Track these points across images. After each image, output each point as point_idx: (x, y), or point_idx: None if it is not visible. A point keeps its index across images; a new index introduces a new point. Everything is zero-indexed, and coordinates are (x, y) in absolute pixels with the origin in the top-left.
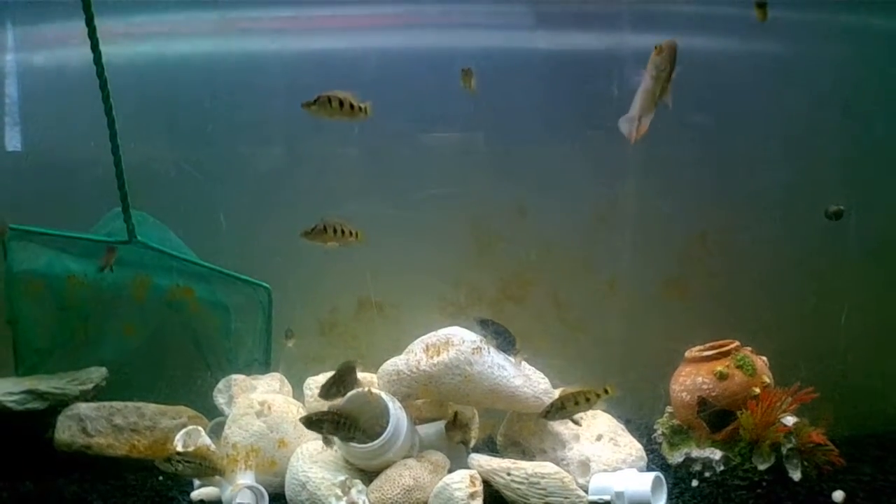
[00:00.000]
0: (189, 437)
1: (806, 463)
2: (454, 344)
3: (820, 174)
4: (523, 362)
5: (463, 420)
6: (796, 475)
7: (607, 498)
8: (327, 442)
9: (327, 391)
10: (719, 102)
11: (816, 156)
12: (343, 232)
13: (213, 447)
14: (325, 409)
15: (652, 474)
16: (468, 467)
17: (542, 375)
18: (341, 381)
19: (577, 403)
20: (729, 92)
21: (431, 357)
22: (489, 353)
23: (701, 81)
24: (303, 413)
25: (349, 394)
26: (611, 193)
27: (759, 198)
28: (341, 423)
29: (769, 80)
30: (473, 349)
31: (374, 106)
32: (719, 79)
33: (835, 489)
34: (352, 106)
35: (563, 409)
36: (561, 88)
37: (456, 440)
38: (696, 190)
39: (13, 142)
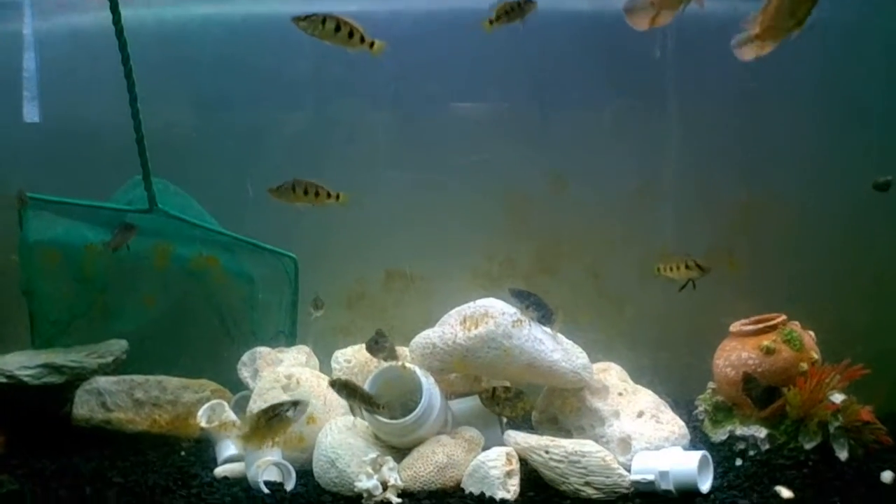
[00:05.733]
0: (213, 411)
1: (853, 442)
2: (492, 316)
3: (869, 143)
4: (560, 335)
5: (507, 394)
6: (843, 454)
7: (651, 477)
8: (353, 411)
9: (371, 349)
10: (762, 68)
11: (864, 123)
12: (318, 193)
13: (237, 422)
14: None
15: (699, 453)
16: (503, 444)
17: (581, 350)
18: (378, 343)
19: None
20: (772, 58)
21: (468, 329)
22: (528, 326)
23: None
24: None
25: (381, 367)
26: (651, 162)
27: (805, 166)
28: (370, 400)
29: (815, 46)
30: (513, 322)
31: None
32: None
33: (883, 469)
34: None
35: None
36: (600, 51)
37: (498, 412)
38: (740, 158)
39: (31, 114)
